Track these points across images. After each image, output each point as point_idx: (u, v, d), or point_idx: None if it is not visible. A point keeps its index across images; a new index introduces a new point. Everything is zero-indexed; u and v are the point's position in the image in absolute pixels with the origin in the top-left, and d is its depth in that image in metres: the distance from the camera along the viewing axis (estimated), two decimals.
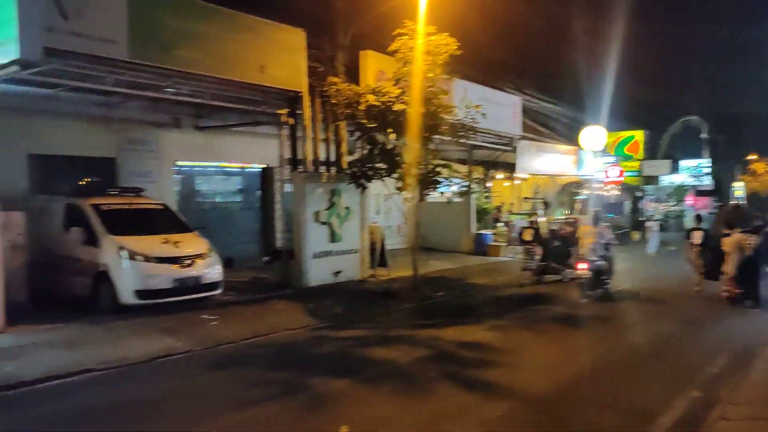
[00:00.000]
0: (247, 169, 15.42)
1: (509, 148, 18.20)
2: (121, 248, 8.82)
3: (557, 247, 12.87)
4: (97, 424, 5.12)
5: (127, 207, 9.88)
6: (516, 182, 22.67)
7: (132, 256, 8.79)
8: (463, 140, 12.45)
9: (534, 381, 6.33)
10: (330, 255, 12.00)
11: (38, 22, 7.20)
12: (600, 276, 11.01)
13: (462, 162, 17.43)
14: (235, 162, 14.94)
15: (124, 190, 10.57)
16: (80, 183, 10.51)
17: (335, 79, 11.04)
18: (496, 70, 17.38)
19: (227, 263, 10.74)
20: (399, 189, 11.10)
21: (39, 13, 7.24)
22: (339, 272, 12.11)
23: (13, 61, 7.04)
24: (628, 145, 26.67)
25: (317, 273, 11.68)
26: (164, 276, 8.92)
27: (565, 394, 5.98)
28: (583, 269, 10.73)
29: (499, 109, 16.11)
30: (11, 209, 8.70)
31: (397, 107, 10.47)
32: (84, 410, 5.49)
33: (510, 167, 19.54)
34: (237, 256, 13.62)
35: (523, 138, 18.61)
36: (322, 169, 12.30)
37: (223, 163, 14.81)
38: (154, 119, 12.67)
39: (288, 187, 12.16)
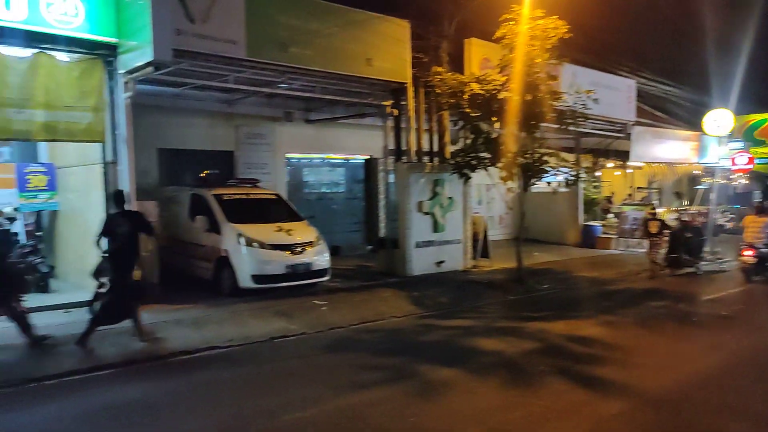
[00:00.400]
0: (351, 161, 15.85)
1: (622, 135, 17.22)
2: (240, 235, 9.44)
3: (690, 239, 12.53)
4: (224, 395, 5.55)
5: (244, 197, 10.55)
6: (628, 171, 21.37)
7: (249, 242, 9.39)
8: (571, 128, 11.97)
9: (652, 381, 6.00)
10: (433, 245, 12.06)
11: (169, 27, 7.84)
12: (765, 263, 11.34)
13: (569, 150, 16.72)
14: (341, 153, 15.41)
15: (242, 180, 11.30)
16: (202, 174, 11.36)
17: (439, 69, 11.03)
18: (608, 52, 16.42)
19: (333, 251, 11.14)
20: (503, 179, 10.89)
21: (169, 18, 7.88)
22: (441, 262, 12.14)
23: (148, 62, 7.73)
24: (760, 129, 24.10)
25: (420, 262, 11.80)
26: (278, 262, 9.43)
27: (687, 397, 5.61)
28: (748, 256, 11.40)
29: (611, 94, 15.31)
30: (145, 199, 9.61)
31: (502, 95, 10.27)
32: (211, 382, 5.97)
33: (622, 155, 18.49)
34: (342, 244, 14.12)
35: (638, 124, 17.51)
36: (426, 159, 12.36)
37: (329, 155, 15.34)
38: (269, 114, 13.38)
39: (391, 178, 12.35)
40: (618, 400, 5.49)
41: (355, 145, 15.07)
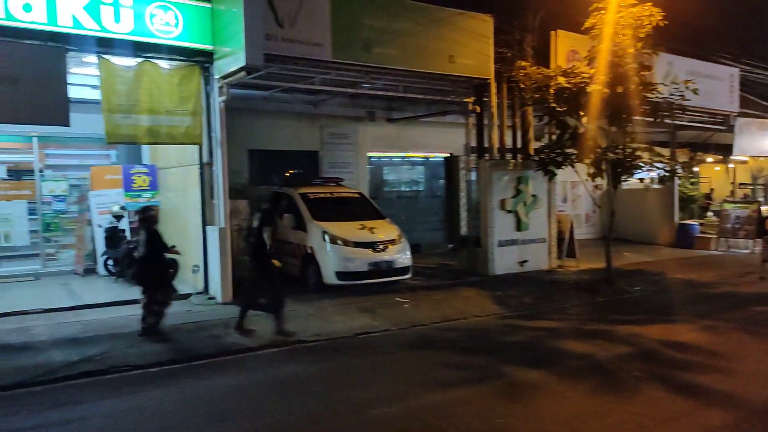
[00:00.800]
0: (431, 159, 15.83)
1: (723, 128, 16.06)
2: (325, 233, 9.70)
3: None
4: (312, 387, 5.73)
5: (329, 195, 10.83)
6: (730, 166, 19.89)
7: (333, 240, 9.62)
8: (667, 120, 11.31)
9: (759, 391, 5.57)
10: (516, 244, 11.82)
11: (260, 33, 8.18)
12: None
13: (663, 144, 15.80)
14: (421, 152, 15.44)
15: (327, 180, 11.60)
16: (287, 174, 11.78)
17: (524, 63, 10.76)
18: (708, 39, 15.33)
19: (414, 249, 11.16)
20: (591, 175, 10.47)
21: (260, 24, 8.22)
22: (525, 261, 11.87)
23: (241, 67, 8.10)
24: None
25: (503, 261, 11.60)
26: (361, 259, 9.60)
27: None
28: None
29: (711, 84, 14.35)
30: (237, 197, 10.10)
31: (591, 88, 9.87)
32: (300, 375, 6.18)
33: (723, 149, 17.23)
34: (422, 242, 14.14)
35: (742, 115, 16.24)
36: (508, 156, 12.11)
37: (409, 153, 15.41)
38: (352, 114, 13.65)
39: (473, 175, 12.22)
40: (721, 411, 5.15)
41: (436, 143, 15.04)
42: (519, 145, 12.38)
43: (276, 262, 7.50)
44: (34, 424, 4.82)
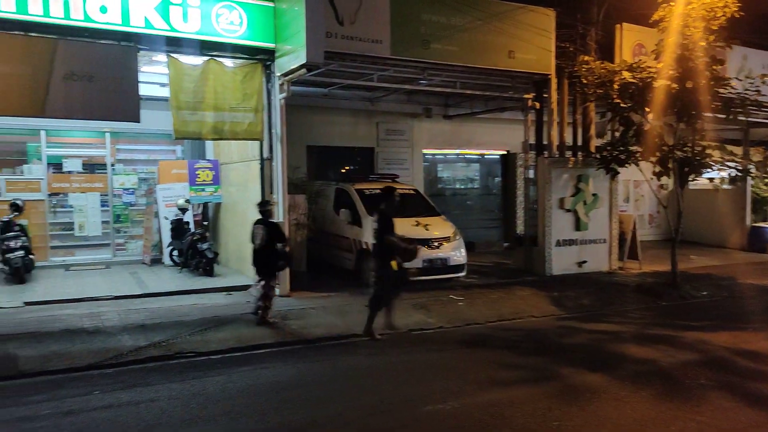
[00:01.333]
0: (487, 156, 15.64)
1: None
2: None
3: None
4: (367, 381, 5.80)
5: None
6: None
7: None
8: (740, 117, 10.72)
9: None
10: (574, 244, 11.52)
11: (320, 30, 8.29)
12: None
13: (735, 143, 14.98)
14: (477, 149, 15.27)
15: (383, 176, 11.65)
16: (343, 170, 11.91)
17: (586, 58, 10.45)
18: None
19: (469, 247, 11.04)
20: (656, 174, 10.07)
21: (321, 22, 8.33)
22: (583, 262, 11.55)
23: (302, 65, 8.25)
24: None
25: (560, 262, 11.33)
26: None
27: None
28: None
29: None
30: (295, 193, 10.30)
31: (658, 83, 9.48)
32: (355, 368, 6.27)
33: None
34: (477, 241, 13.99)
35: None
36: (568, 153, 11.82)
37: (465, 150, 15.27)
38: (409, 110, 13.66)
39: (531, 173, 11.98)
40: None
41: (493, 139, 14.84)
42: (579, 142, 12.05)
43: (394, 264, 7.38)
44: (107, 403, 5.10)
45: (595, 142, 11.82)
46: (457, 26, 9.88)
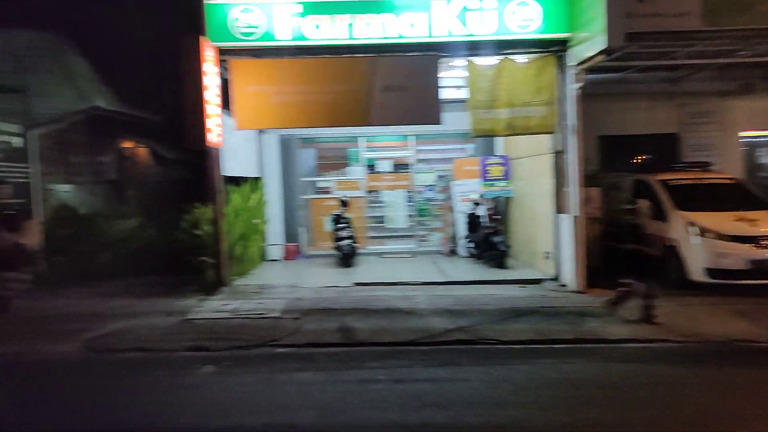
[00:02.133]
0: None
1: None
2: (691, 224, 8.73)
3: None
4: (684, 391, 5.27)
5: (695, 182, 9.69)
6: None
7: (702, 232, 8.58)
8: None
9: None
10: None
11: (620, 12, 7.81)
12: None
13: None
14: None
15: (691, 164, 10.40)
16: (637, 160, 10.94)
17: None
18: None
19: None
20: None
21: (621, 2, 7.85)
22: None
23: (600, 51, 7.89)
24: None
25: None
26: (738, 255, 8.29)
27: None
28: None
29: None
30: (589, 185, 9.89)
31: None
32: (663, 375, 5.74)
33: None
34: None
35: None
36: None
37: None
38: (719, 88, 11.86)
39: None
40: None
41: None
42: None
43: None
44: (428, 377, 5.73)
45: None
46: None
